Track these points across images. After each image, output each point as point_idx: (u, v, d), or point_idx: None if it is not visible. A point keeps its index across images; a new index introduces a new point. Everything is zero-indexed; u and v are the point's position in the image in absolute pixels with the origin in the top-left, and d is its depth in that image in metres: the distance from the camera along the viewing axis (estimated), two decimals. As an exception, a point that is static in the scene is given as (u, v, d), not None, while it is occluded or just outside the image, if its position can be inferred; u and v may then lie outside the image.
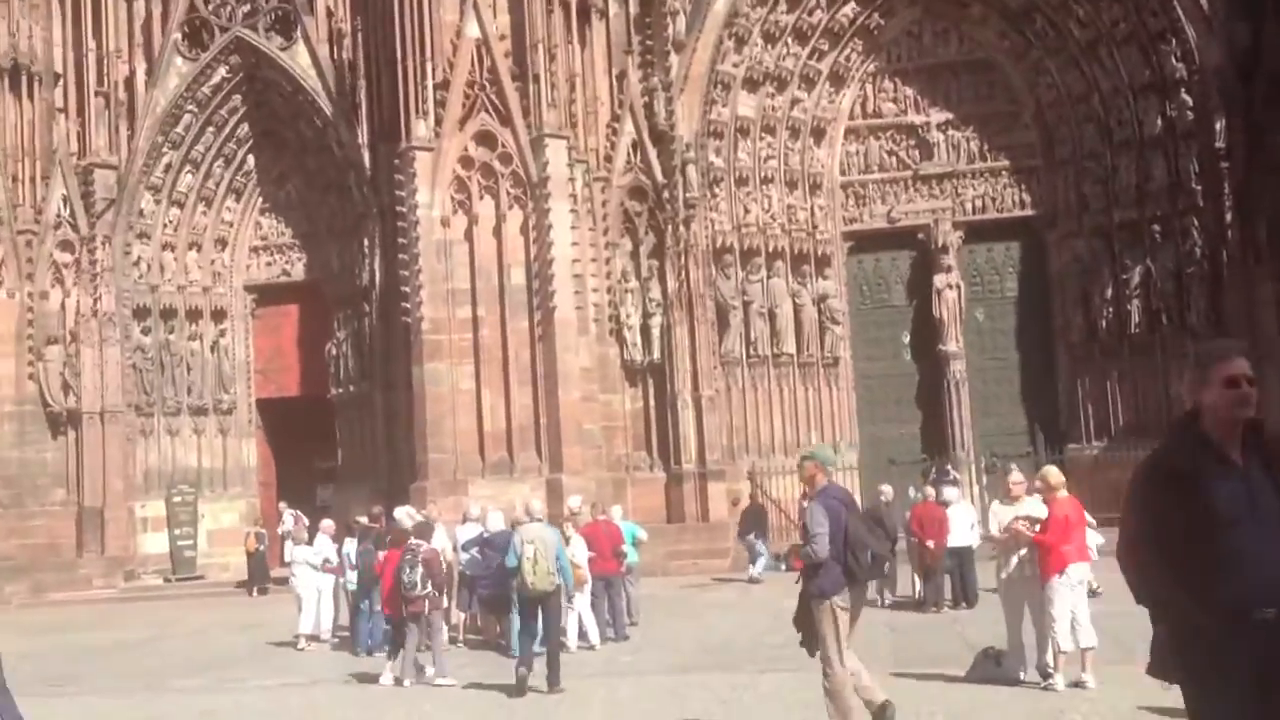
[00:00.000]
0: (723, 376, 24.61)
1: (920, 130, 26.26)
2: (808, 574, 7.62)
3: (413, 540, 11.94)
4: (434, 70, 21.92)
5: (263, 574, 23.31)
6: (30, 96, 26.27)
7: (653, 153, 23.76)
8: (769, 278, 25.27)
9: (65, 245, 26.05)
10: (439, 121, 21.87)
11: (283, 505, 25.37)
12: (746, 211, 25.25)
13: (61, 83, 26.62)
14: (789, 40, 25.42)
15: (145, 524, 25.80)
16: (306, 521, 20.27)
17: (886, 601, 16.10)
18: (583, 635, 13.65)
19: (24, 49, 26.06)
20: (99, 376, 25.55)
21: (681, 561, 22.19)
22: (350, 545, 15.14)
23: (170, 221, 26.95)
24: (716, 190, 24.92)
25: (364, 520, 15.69)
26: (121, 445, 25.65)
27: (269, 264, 27.93)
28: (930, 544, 15.64)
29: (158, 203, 26.68)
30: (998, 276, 26.40)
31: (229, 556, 26.21)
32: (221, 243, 27.69)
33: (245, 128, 27.05)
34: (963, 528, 15.89)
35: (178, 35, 26.07)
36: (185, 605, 22.00)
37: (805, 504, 8.43)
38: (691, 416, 23.73)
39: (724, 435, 24.34)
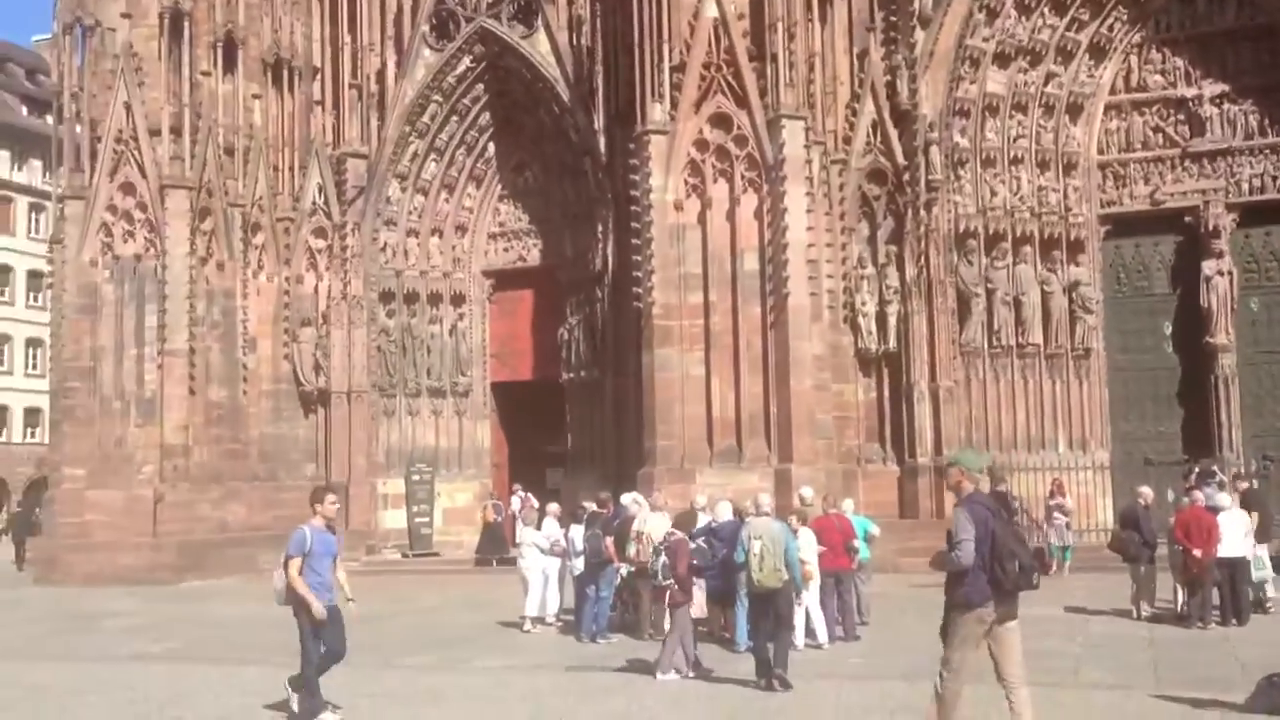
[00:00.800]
0: (962, 367, 23.41)
1: (1190, 104, 24.18)
2: (952, 582, 7.33)
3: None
4: (670, 53, 21.65)
5: (498, 545, 23.73)
6: (291, 90, 27.60)
7: (894, 133, 22.80)
8: (1015, 264, 23.82)
9: (319, 232, 27.29)
10: (674, 104, 21.59)
11: (516, 486, 25.86)
12: (993, 194, 23.87)
13: (319, 76, 27.86)
14: (1045, 11, 23.86)
15: (385, 500, 26.78)
16: (535, 504, 20.45)
17: (1143, 614, 14.81)
18: (810, 633, 13.10)
19: (286, 45, 27.37)
20: (347, 358, 26.66)
21: (914, 559, 21.16)
22: (577, 530, 15.02)
23: (415, 208, 27.82)
24: (960, 172, 23.66)
25: (591, 505, 15.56)
26: (366, 424, 26.69)
27: (506, 249, 28.46)
28: (1197, 553, 14.25)
29: (404, 190, 27.58)
30: (1276, 263, 24.07)
31: (463, 535, 26.89)
32: (462, 229, 28.41)
33: (486, 116, 27.63)
34: (1235, 537, 14.42)
35: (425, 27, 26.86)
36: (421, 581, 22.60)
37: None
38: (928, 408, 22.71)
39: (962, 428, 23.17)
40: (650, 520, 14.49)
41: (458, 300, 28.24)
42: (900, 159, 22.80)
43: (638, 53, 22.12)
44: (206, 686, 11.56)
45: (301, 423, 27.19)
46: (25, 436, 50.66)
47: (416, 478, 26.30)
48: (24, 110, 54.12)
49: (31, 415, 48.02)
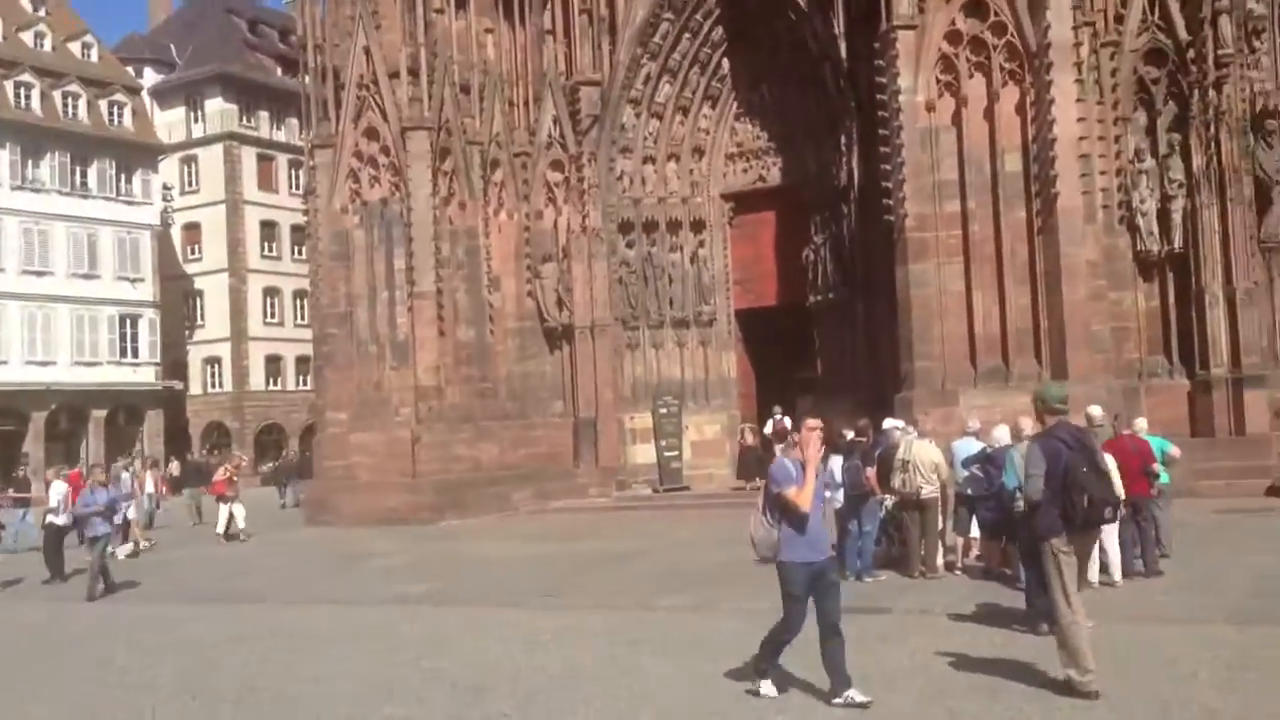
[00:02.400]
0: (1262, 266, 20.89)
1: None
2: (1026, 515, 7.74)
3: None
4: (915, -62, 19.88)
5: (758, 470, 22.96)
6: (522, 22, 27.26)
7: (1174, 5, 20.35)
8: (1325, 145, 20.95)
9: (556, 165, 26.95)
10: (922, -5, 19.88)
11: (776, 409, 24.86)
12: (1297, 65, 21.02)
13: (549, 5, 27.33)
14: None
15: (633, 435, 26.41)
16: (789, 425, 19.46)
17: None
18: (1104, 568, 11.64)
19: (515, -25, 26.95)
20: (588, 292, 26.31)
21: (1212, 482, 19.14)
22: (835, 461, 13.97)
23: (650, 134, 27.05)
24: (1256, 43, 20.89)
25: (850, 434, 14.47)
26: (610, 358, 26.33)
27: (745, 170, 27.38)
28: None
29: (637, 116, 26.83)
30: None
31: (712, 468, 26.27)
32: (698, 152, 27.47)
33: (719, 31, 26.52)
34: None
35: (654, -58, 25.86)
36: (672, 516, 22.12)
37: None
38: (1222, 314, 20.47)
39: (1264, 335, 20.72)
40: (916, 448, 13.33)
41: (697, 226, 27.40)
42: (1182, 34, 20.40)
43: (878, -57, 20.46)
44: (466, 631, 11.24)
45: (547, 359, 27.13)
46: (298, 384, 53.52)
47: (664, 411, 25.82)
48: (279, 71, 56.55)
49: (302, 364, 50.56)
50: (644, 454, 26.09)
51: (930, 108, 19.96)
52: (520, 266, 27.03)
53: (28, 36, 46.83)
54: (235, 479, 23.75)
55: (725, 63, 26.83)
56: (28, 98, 44.89)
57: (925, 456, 13.27)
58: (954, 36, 19.85)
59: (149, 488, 26.71)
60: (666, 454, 25.65)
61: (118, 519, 18.34)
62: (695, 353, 27.35)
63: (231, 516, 22.89)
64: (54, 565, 17.45)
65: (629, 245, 26.97)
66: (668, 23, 26.22)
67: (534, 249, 26.95)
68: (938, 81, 19.97)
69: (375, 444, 24.67)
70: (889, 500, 13.63)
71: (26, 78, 44.74)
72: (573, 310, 26.44)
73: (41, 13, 48.74)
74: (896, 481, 13.18)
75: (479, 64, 26.64)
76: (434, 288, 25.02)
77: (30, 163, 44.59)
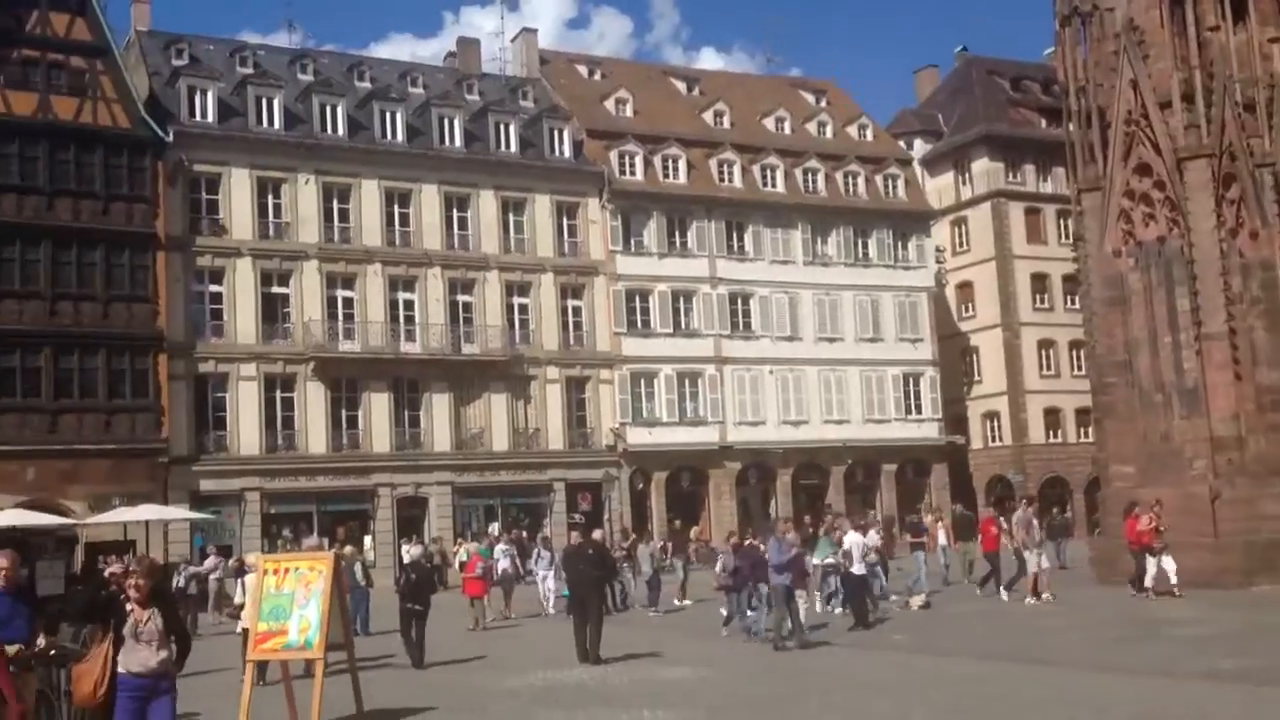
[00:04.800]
0: None
1: None
2: None
3: None
4: None
5: None
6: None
7: None
8: None
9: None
10: None
11: None
12: None
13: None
14: None
15: None
16: None
17: None
18: None
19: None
20: None
21: None
22: None
23: None
24: None
25: None
26: None
27: None
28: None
29: None
30: None
31: None
32: None
33: None
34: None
35: None
36: None
37: None
38: None
39: None
40: None
41: None
42: None
43: None
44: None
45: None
46: (1078, 436, 52.00)
47: None
48: (1043, 123, 56.20)
49: (1081, 415, 48.98)
50: None
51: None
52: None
53: (811, 127, 51.78)
54: (1161, 528, 21.05)
55: None
56: (814, 181, 49.49)
57: None
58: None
59: (940, 539, 27.28)
60: None
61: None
62: None
63: (1160, 570, 20.81)
64: (859, 612, 18.59)
65: None
66: None
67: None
68: None
69: (1167, 499, 22.86)
70: None
71: (812, 163, 49.35)
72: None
73: (823, 104, 53.73)
74: None
75: (1263, 78, 23.96)
76: (1225, 328, 22.75)
77: (819, 239, 48.95)
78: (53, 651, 8.73)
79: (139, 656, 7.30)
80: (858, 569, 19.23)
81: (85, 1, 35.27)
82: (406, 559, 21.75)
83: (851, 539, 19.88)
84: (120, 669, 7.31)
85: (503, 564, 24.95)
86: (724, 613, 18.96)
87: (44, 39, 34.59)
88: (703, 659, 15.67)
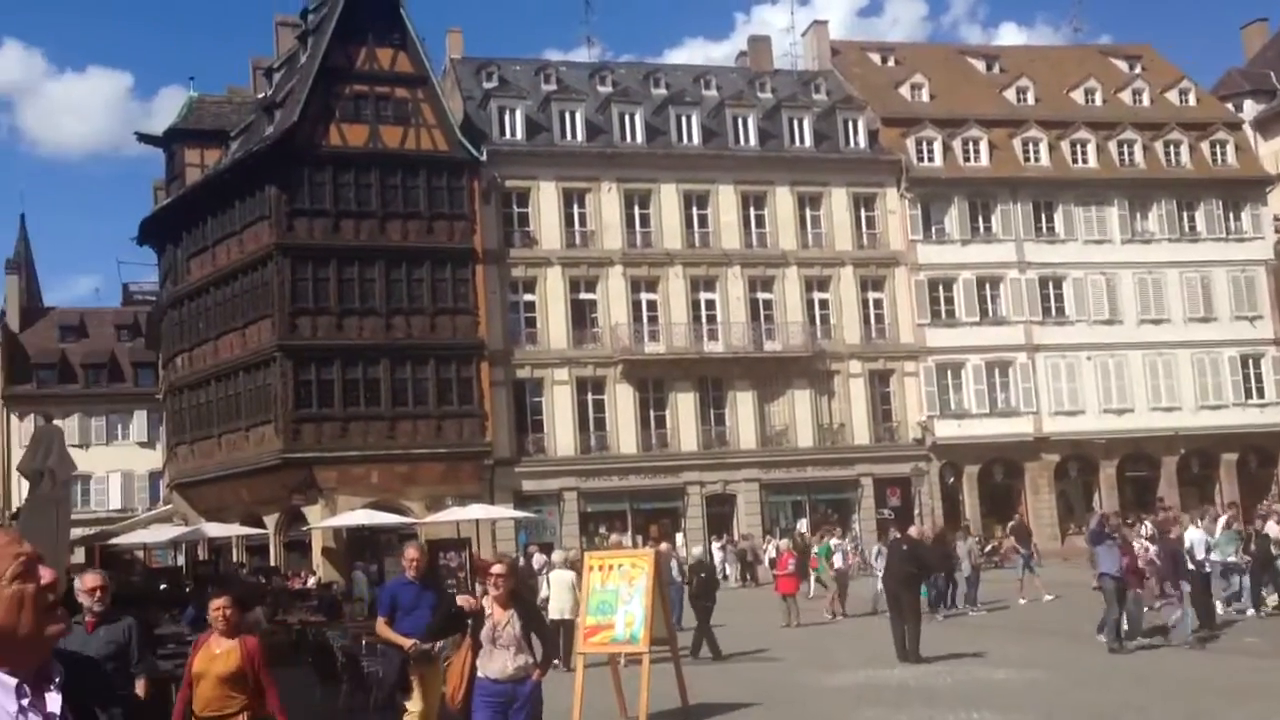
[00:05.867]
0: None
1: None
2: None
3: None
4: None
5: None
6: None
7: None
8: None
9: None
10: None
11: None
12: None
13: None
14: None
15: None
16: None
17: None
18: None
19: None
20: None
21: None
22: None
23: None
24: None
25: None
26: None
27: None
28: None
29: None
30: None
31: None
32: None
33: None
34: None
35: None
36: None
37: None
38: None
39: None
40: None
41: None
42: None
43: None
44: None
45: None
46: None
47: None
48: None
49: None
50: None
51: None
52: None
53: (1126, 95, 48.63)
54: None
55: None
56: (1131, 153, 46.45)
57: None
58: None
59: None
60: None
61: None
62: None
63: None
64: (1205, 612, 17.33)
65: None
66: None
67: None
68: None
69: None
70: None
71: (1128, 134, 46.34)
72: None
73: (1137, 70, 50.32)
74: None
75: None
76: None
77: (1138, 215, 45.92)
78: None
79: (497, 662, 7.06)
80: (1212, 563, 17.97)
81: (406, 36, 37.96)
82: (691, 560, 22.21)
83: (1192, 535, 18.55)
84: (479, 674, 7.11)
85: (839, 561, 24.84)
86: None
87: (372, 74, 37.45)
88: (1030, 660, 15.06)
